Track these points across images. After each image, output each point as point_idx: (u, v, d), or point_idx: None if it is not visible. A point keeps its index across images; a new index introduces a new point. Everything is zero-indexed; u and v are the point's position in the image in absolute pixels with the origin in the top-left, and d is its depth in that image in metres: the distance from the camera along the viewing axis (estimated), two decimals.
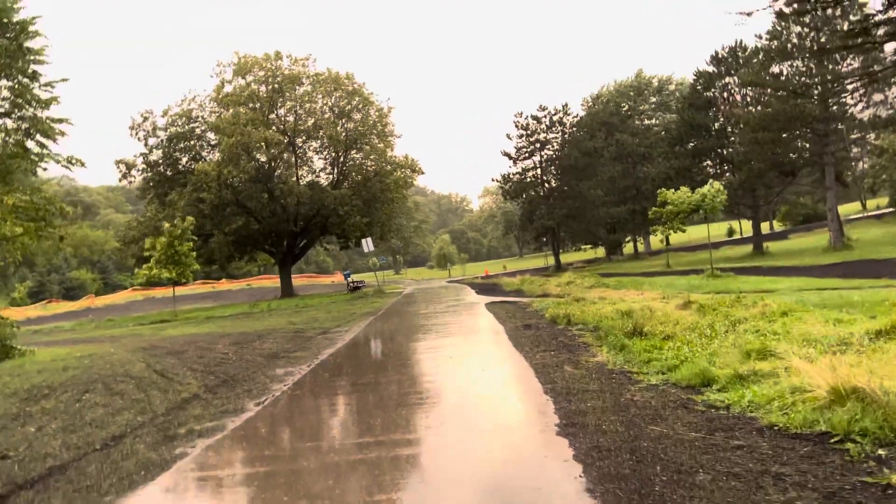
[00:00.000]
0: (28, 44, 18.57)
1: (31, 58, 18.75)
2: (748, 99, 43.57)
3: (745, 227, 76.00)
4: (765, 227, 79.69)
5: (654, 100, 75.88)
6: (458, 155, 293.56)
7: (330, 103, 45.60)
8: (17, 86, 18.76)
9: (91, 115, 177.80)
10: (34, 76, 18.98)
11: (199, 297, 66.38)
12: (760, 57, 38.94)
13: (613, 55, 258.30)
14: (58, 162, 19.48)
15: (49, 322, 44.27)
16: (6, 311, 63.11)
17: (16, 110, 18.98)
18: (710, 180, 25.20)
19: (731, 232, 76.60)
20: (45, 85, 19.11)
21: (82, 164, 20.22)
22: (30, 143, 19.38)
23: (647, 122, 66.64)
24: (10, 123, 19.17)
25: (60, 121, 19.52)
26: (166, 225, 31.95)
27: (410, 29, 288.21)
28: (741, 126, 42.65)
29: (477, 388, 8.26)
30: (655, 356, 8.81)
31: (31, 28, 18.58)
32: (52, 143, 19.57)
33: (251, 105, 42.58)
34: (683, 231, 39.74)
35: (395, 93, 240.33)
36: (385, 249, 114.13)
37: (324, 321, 20.69)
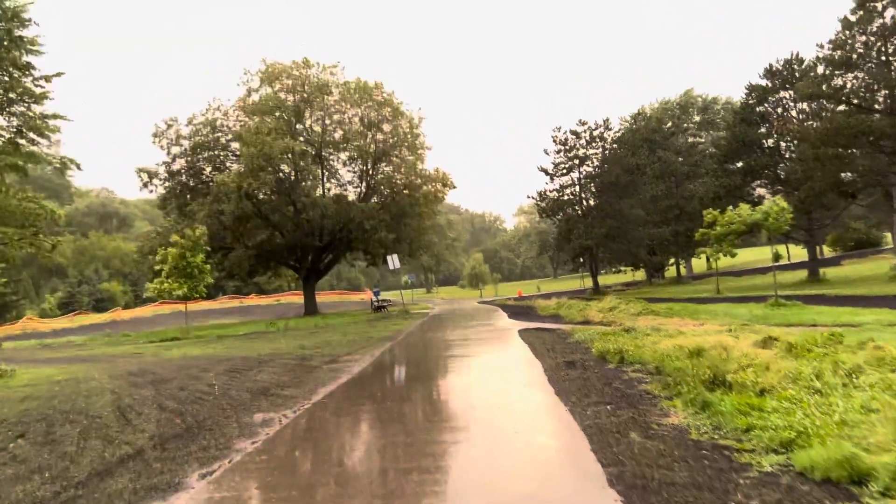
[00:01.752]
0: (20, 32, 16.86)
1: (24, 48, 17.02)
2: (805, 114, 40.52)
3: (793, 252, 72.44)
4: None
5: (697, 118, 72.97)
6: (493, 173, 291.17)
7: (360, 113, 43.74)
8: (7, 78, 17.02)
9: (91, 115, 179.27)
10: (27, 68, 17.25)
11: (225, 313, 65.20)
12: (821, 69, 36.03)
13: (658, 75, 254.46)
14: (49, 163, 17.75)
15: (72, 334, 43.04)
16: (33, 323, 62.53)
17: (6, 105, 17.22)
18: (774, 197, 22.37)
19: (777, 257, 72.63)
20: (39, 79, 17.38)
21: (78, 167, 18.45)
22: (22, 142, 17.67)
23: (690, 139, 63.54)
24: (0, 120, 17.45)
25: (55, 117, 17.77)
26: (176, 236, 30.13)
27: (444, 43, 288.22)
28: (796, 143, 39.72)
29: (507, 470, 5.81)
30: (757, 421, 6.33)
31: (24, 15, 16.89)
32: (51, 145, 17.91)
33: (277, 114, 40.92)
34: (734, 255, 36.86)
35: (429, 109, 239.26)
36: (416, 267, 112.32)
37: (336, 346, 18.45)
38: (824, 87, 34.46)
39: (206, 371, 14.47)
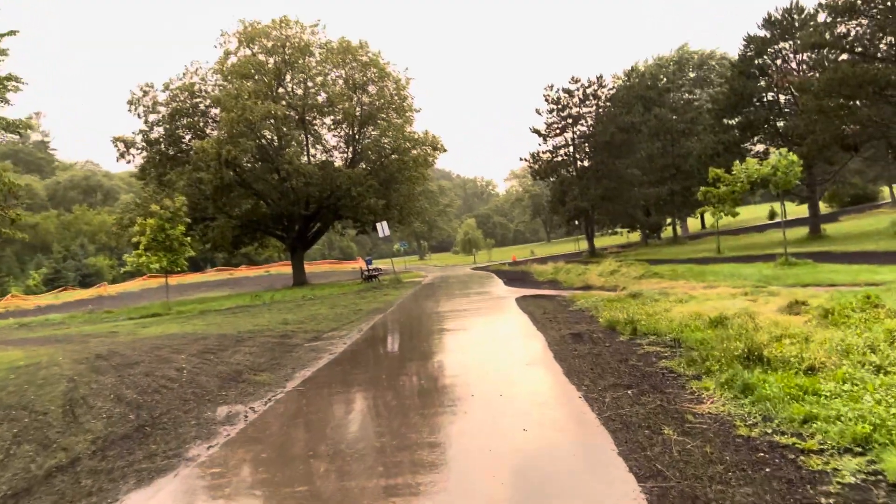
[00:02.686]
0: None
1: None
2: (806, 65, 39.00)
3: (789, 209, 71.37)
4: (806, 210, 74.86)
5: (692, 75, 71.26)
6: (484, 138, 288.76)
7: (344, 75, 41.89)
8: None
9: (92, 115, 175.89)
10: None
11: (214, 285, 63.97)
12: (823, 16, 34.50)
13: (651, 31, 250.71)
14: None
15: (56, 311, 41.76)
16: (17, 300, 61.23)
17: None
18: (780, 150, 21.01)
19: (772, 214, 71.78)
20: None
21: (29, 127, 16.95)
22: None
23: (686, 96, 61.91)
24: None
25: (8, 79, 16.26)
26: (154, 206, 28.66)
27: (431, 2, 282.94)
28: (797, 94, 38.32)
29: (514, 489, 4.62)
30: (816, 409, 5.17)
31: None
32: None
33: (257, 77, 39.11)
34: (736, 214, 35.73)
35: (417, 73, 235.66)
36: (408, 234, 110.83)
37: (321, 320, 17.25)
38: (827, 35, 32.99)
39: (179, 352, 13.27)
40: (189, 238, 29.11)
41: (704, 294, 14.16)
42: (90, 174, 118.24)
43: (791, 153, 20.66)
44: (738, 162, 25.04)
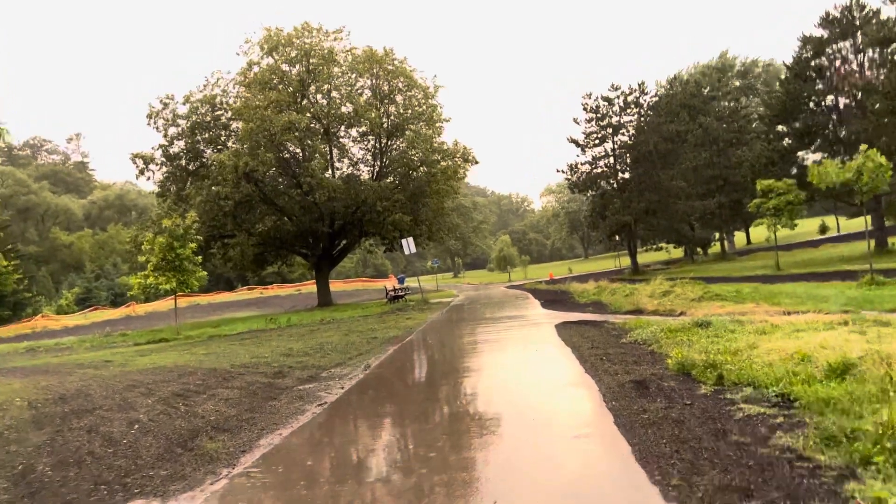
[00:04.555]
0: None
1: None
2: (871, 65, 35.76)
3: (833, 223, 67.74)
4: (862, 224, 70.43)
5: (737, 83, 68.02)
6: (520, 154, 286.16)
7: (370, 84, 39.81)
8: None
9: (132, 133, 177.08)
10: None
11: (243, 304, 62.50)
12: (892, 10, 31.48)
13: (690, 41, 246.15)
14: None
15: (84, 332, 40.45)
16: (46, 320, 60.37)
17: None
18: (865, 150, 18.04)
19: (823, 228, 67.57)
20: None
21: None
22: None
23: (732, 104, 58.63)
24: None
25: None
26: (166, 221, 26.74)
27: (467, 17, 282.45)
28: (859, 97, 35.19)
29: None
30: None
31: None
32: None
33: (280, 87, 37.24)
34: (795, 226, 32.64)
35: (451, 87, 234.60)
36: (442, 251, 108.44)
37: (329, 352, 14.83)
38: None
39: (150, 394, 11.03)
40: (200, 258, 27.08)
41: (790, 323, 11.34)
42: (124, 192, 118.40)
43: (878, 154, 17.72)
44: (812, 164, 22.07)
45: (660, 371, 8.63)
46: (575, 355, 10.70)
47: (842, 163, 19.54)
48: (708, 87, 58.01)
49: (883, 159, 17.52)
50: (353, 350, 14.74)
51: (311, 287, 72.16)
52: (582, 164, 48.54)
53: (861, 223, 70.59)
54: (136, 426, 8.51)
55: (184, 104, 38.19)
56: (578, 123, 48.23)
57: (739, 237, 68.34)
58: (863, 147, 17.72)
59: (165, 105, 37.93)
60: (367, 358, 13.29)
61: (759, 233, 67.36)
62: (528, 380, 9.30)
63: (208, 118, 38.35)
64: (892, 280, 17.44)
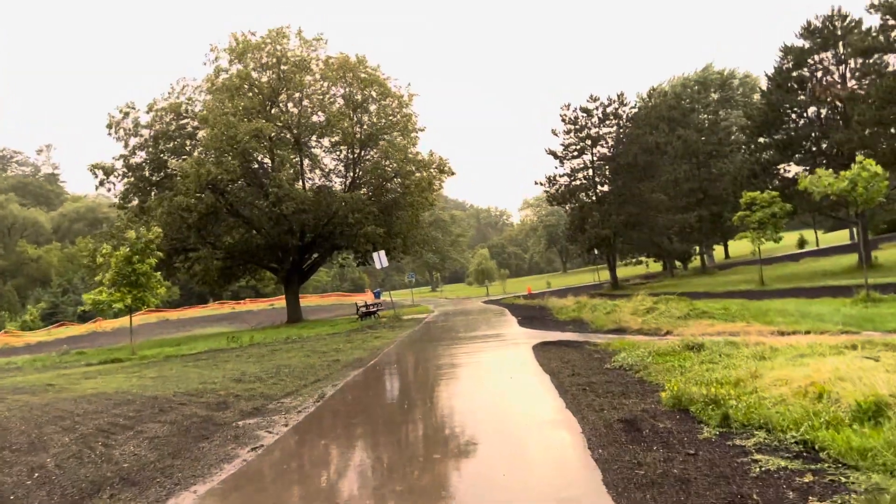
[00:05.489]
0: None
1: None
2: (853, 75, 35.23)
3: (811, 237, 67.81)
4: (841, 237, 70.31)
5: (716, 95, 67.74)
6: (498, 168, 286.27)
7: (342, 93, 38.48)
8: None
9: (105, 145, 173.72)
10: None
11: (214, 320, 60.71)
12: (875, 19, 30.94)
13: (671, 52, 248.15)
14: None
15: (48, 348, 38.63)
16: (8, 337, 57.97)
17: None
18: (862, 160, 17.10)
19: (802, 243, 67.32)
20: None
21: None
22: None
23: (711, 117, 58.22)
24: None
25: None
26: (130, 233, 25.19)
27: (443, 29, 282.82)
28: (841, 107, 34.66)
29: None
30: None
31: None
32: None
33: (250, 95, 35.80)
34: (780, 239, 31.84)
35: (428, 102, 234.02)
36: (420, 265, 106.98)
37: (284, 376, 13.44)
38: (881, 38, 29.31)
39: (71, 430, 9.64)
40: (159, 274, 25.54)
41: (791, 346, 10.13)
42: (96, 205, 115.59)
43: (873, 163, 16.76)
44: (804, 174, 21.13)
45: (652, 406, 7.41)
46: (554, 384, 9.45)
47: (836, 173, 18.60)
48: (688, 100, 57.58)
49: (879, 169, 16.56)
50: (310, 375, 13.34)
51: (284, 302, 70.48)
52: (560, 176, 47.66)
53: (838, 237, 70.51)
54: (37, 474, 7.16)
55: (147, 113, 36.58)
56: (557, 135, 47.40)
57: (718, 251, 67.90)
58: (859, 158, 16.76)
59: (126, 114, 36.24)
60: (325, 385, 11.90)
61: (737, 247, 67.04)
62: (500, 419, 7.98)
63: (173, 127, 36.76)
64: (890, 297, 16.45)
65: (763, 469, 4.93)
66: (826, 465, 4.88)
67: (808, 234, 69.05)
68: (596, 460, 5.57)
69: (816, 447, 5.26)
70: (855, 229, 47.55)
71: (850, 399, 6.14)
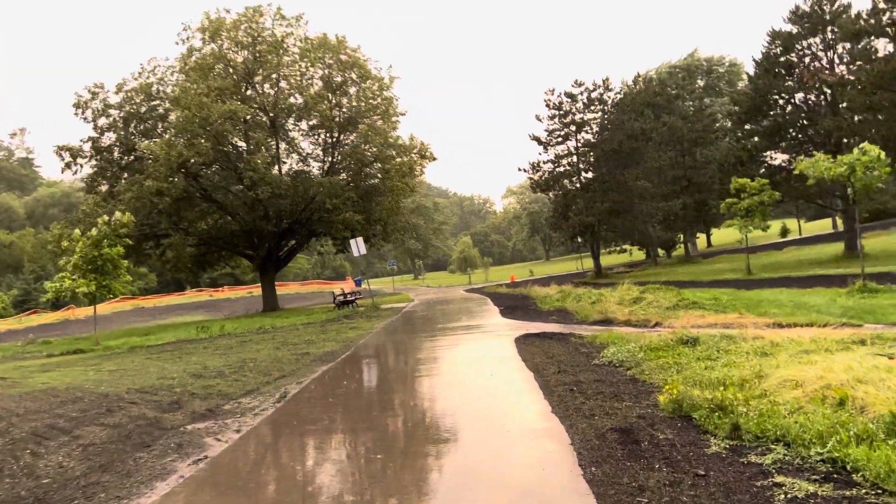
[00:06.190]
0: None
1: None
2: (842, 60, 34.61)
3: (793, 226, 67.82)
4: (823, 226, 70.24)
5: (702, 82, 67.14)
6: (483, 156, 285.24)
7: (320, 74, 37.23)
8: None
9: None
10: None
11: (190, 308, 59.23)
12: (867, 4, 30.28)
13: (657, 38, 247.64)
14: None
15: (15, 337, 37.17)
16: None
17: None
18: (863, 144, 16.33)
19: (784, 231, 67.09)
20: None
21: None
22: None
23: (696, 103, 57.55)
24: None
25: None
26: (103, 217, 23.99)
27: (429, 13, 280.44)
28: (829, 93, 34.10)
29: None
30: None
31: None
32: None
33: (223, 75, 34.48)
34: (768, 227, 31.23)
35: (413, 87, 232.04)
36: (402, 252, 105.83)
37: (247, 371, 12.49)
38: (872, 21, 28.64)
39: (4, 433, 8.64)
40: (125, 262, 24.36)
41: (792, 340, 9.34)
42: (72, 190, 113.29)
43: (875, 147, 16.00)
44: (801, 158, 20.39)
45: (649, 411, 6.57)
46: (538, 383, 8.60)
47: (832, 157, 17.83)
48: (673, 86, 56.86)
49: (879, 151, 15.80)
50: (275, 370, 12.39)
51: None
52: (544, 162, 46.78)
53: (821, 226, 70.22)
54: None
55: (116, 93, 35.13)
56: (541, 121, 46.42)
57: (700, 239, 67.55)
58: (864, 144, 15.98)
59: (94, 95, 34.78)
60: (289, 382, 10.96)
61: (720, 235, 66.64)
62: (479, 427, 7.10)
63: (143, 109, 35.38)
64: (886, 287, 15.79)
65: (790, 496, 4.10)
66: (863, 490, 4.09)
67: (791, 223, 68.95)
68: (589, 482, 4.72)
69: (848, 467, 4.45)
70: (838, 218, 47.19)
71: (878, 407, 5.36)
